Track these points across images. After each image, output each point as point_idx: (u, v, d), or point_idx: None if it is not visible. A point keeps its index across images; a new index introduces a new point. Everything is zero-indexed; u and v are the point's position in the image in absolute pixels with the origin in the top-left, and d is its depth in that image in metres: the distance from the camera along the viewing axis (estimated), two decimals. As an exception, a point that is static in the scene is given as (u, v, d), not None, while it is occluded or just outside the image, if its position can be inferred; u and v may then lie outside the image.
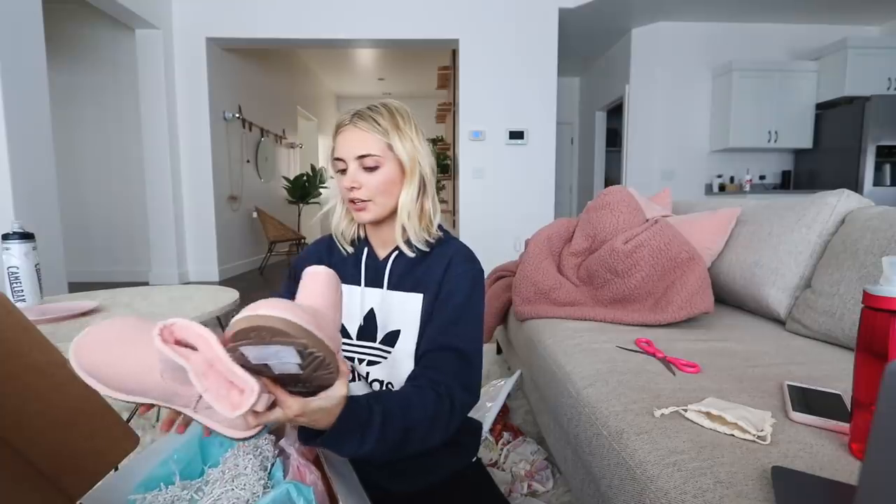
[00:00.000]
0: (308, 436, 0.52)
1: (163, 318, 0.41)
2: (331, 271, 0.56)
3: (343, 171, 0.72)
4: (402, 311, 0.74)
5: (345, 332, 0.76)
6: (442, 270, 0.73)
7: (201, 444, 0.67)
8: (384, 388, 0.73)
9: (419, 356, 0.70)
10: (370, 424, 0.53)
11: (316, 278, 0.55)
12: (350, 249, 0.80)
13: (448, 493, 0.75)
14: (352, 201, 0.72)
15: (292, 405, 0.46)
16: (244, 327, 0.40)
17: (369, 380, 0.74)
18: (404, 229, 0.74)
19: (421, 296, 0.73)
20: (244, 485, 0.56)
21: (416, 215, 0.74)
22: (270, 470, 0.60)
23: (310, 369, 0.44)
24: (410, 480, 0.74)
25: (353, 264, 0.79)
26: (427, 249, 0.75)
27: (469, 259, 0.75)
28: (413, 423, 0.58)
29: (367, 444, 0.53)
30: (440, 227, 0.79)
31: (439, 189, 5.37)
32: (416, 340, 0.72)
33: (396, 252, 0.77)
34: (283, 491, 0.53)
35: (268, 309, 0.40)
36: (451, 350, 0.68)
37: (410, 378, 0.68)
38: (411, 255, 0.75)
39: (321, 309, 0.51)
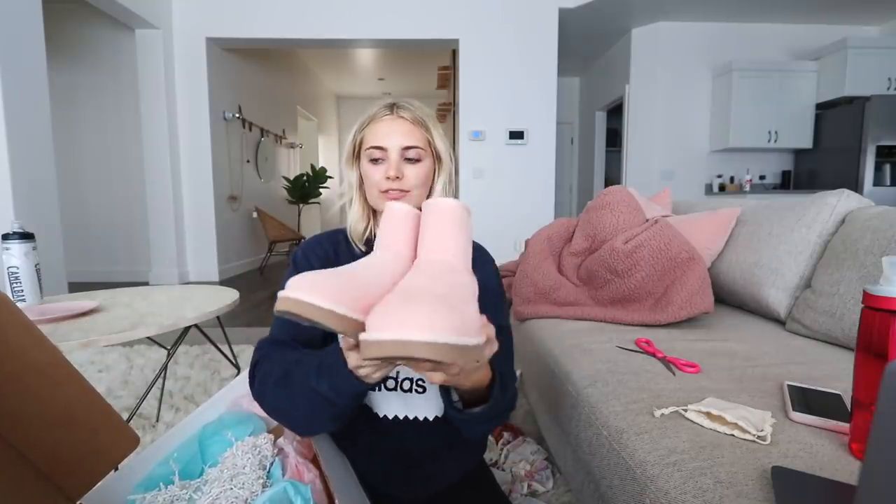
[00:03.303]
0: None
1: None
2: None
3: (377, 161, 0.69)
4: None
5: None
6: None
7: (200, 444, 0.67)
8: (414, 384, 0.71)
9: None
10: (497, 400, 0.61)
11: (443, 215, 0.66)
12: (364, 248, 0.76)
13: (455, 493, 0.75)
14: (386, 191, 0.69)
15: (435, 377, 0.49)
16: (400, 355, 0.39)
17: (399, 379, 0.71)
18: None
19: None
20: (243, 483, 0.56)
21: None
22: (269, 469, 0.60)
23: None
24: (434, 484, 0.73)
25: None
26: None
27: (479, 247, 0.78)
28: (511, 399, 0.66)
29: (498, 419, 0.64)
30: None
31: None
32: None
33: None
34: (280, 489, 0.53)
35: (421, 332, 0.39)
36: (499, 329, 0.69)
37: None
38: None
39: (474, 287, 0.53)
